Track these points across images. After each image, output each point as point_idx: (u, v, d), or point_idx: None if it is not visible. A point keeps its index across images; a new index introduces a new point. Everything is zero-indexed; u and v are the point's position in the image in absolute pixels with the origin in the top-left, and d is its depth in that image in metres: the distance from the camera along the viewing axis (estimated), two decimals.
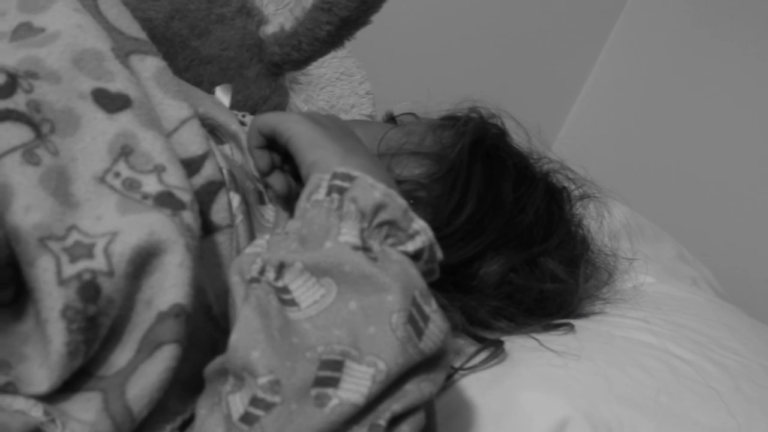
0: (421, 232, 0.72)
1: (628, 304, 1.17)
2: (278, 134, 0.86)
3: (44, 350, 0.63)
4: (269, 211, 0.91)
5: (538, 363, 0.95)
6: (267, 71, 1.19)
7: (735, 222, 2.09)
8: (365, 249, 0.69)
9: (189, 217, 0.70)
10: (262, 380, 0.61)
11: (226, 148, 0.92)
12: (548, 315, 1.07)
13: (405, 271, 0.68)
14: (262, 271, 0.69)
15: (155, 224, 0.67)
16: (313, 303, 0.67)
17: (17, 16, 0.83)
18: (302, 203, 0.74)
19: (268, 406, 0.61)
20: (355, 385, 0.62)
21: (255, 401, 0.61)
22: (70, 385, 0.65)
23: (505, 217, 1.06)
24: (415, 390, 0.66)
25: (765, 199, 2.04)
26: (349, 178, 0.73)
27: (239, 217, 0.83)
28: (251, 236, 0.85)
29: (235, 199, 0.83)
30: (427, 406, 0.69)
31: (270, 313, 0.65)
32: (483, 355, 0.96)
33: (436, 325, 0.67)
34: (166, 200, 0.70)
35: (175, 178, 0.73)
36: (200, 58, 1.12)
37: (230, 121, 0.93)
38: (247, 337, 0.63)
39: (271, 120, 0.87)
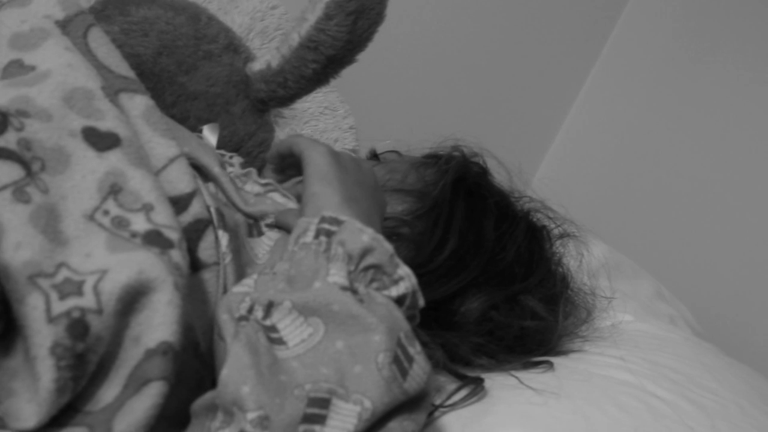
0: (405, 279, 0.74)
1: (607, 342, 1.18)
2: (301, 158, 0.89)
3: (33, 386, 0.64)
4: (263, 245, 0.92)
5: (518, 401, 0.96)
6: (253, 107, 1.20)
7: (712, 260, 2.10)
8: (352, 291, 0.70)
9: (177, 255, 0.71)
10: (252, 415, 0.62)
11: (210, 186, 0.93)
12: (528, 352, 1.08)
13: (390, 313, 0.69)
14: (250, 310, 0.70)
15: (144, 263, 0.67)
16: (301, 342, 0.68)
17: (8, 53, 0.84)
18: (290, 246, 0.75)
19: None
20: (342, 422, 0.63)
21: None
22: (57, 420, 0.65)
23: (486, 254, 1.07)
24: (398, 428, 0.67)
25: (743, 237, 2.05)
26: (337, 222, 0.74)
27: (228, 257, 0.83)
28: (240, 274, 0.86)
29: (224, 238, 0.84)
30: None
31: (259, 350, 0.66)
32: (463, 393, 0.96)
33: (420, 366, 0.69)
34: (155, 239, 0.71)
35: (163, 216, 0.74)
36: (187, 93, 1.13)
37: (212, 164, 0.94)
38: (237, 373, 0.64)
39: (301, 144, 0.91)
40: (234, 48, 1.19)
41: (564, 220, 1.24)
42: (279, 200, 0.95)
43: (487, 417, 0.93)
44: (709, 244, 2.12)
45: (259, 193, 0.96)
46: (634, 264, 1.69)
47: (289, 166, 0.99)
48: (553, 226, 1.21)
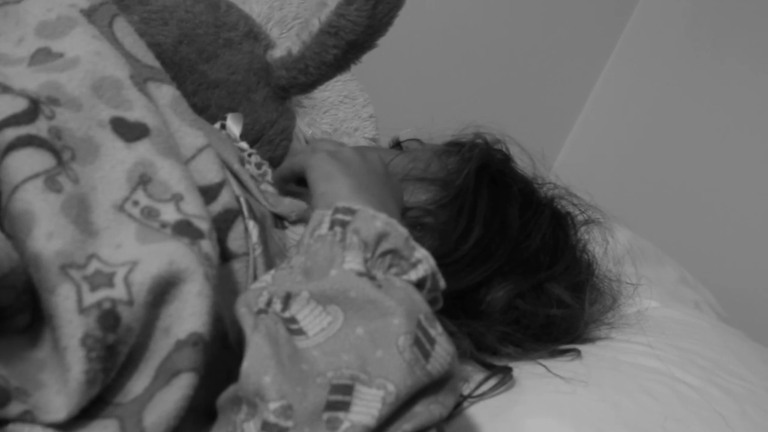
0: (423, 261, 0.74)
1: (633, 328, 1.17)
2: (303, 169, 0.91)
3: (62, 377, 0.63)
4: (289, 239, 0.92)
5: (546, 390, 0.96)
6: (274, 95, 1.20)
7: (737, 244, 2.09)
8: (369, 277, 0.70)
9: (207, 246, 0.71)
10: (274, 405, 0.62)
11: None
12: (555, 340, 1.07)
13: (409, 296, 0.69)
14: (269, 303, 0.70)
15: (174, 253, 0.67)
16: (321, 330, 0.68)
17: (35, 41, 0.84)
18: (306, 239, 0.75)
19: (281, 431, 0.62)
20: (366, 408, 0.63)
21: (267, 426, 0.62)
22: (87, 412, 0.65)
23: (511, 242, 1.06)
24: (424, 411, 0.67)
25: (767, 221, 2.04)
26: (351, 211, 0.74)
27: (259, 248, 0.83)
28: (270, 264, 0.85)
29: (255, 229, 0.84)
30: (438, 429, 0.69)
31: (279, 341, 0.66)
32: (491, 382, 0.96)
33: (443, 347, 0.68)
34: (185, 229, 0.71)
35: (193, 206, 0.73)
36: (208, 82, 1.13)
37: (232, 160, 0.94)
38: (258, 363, 0.64)
39: (300, 159, 0.93)
40: (254, 35, 1.19)
41: (588, 206, 1.23)
42: (295, 201, 0.97)
43: (516, 406, 0.93)
44: (732, 228, 2.11)
45: (274, 194, 0.96)
46: (658, 249, 1.68)
47: (298, 184, 0.99)
48: (577, 212, 1.21)
